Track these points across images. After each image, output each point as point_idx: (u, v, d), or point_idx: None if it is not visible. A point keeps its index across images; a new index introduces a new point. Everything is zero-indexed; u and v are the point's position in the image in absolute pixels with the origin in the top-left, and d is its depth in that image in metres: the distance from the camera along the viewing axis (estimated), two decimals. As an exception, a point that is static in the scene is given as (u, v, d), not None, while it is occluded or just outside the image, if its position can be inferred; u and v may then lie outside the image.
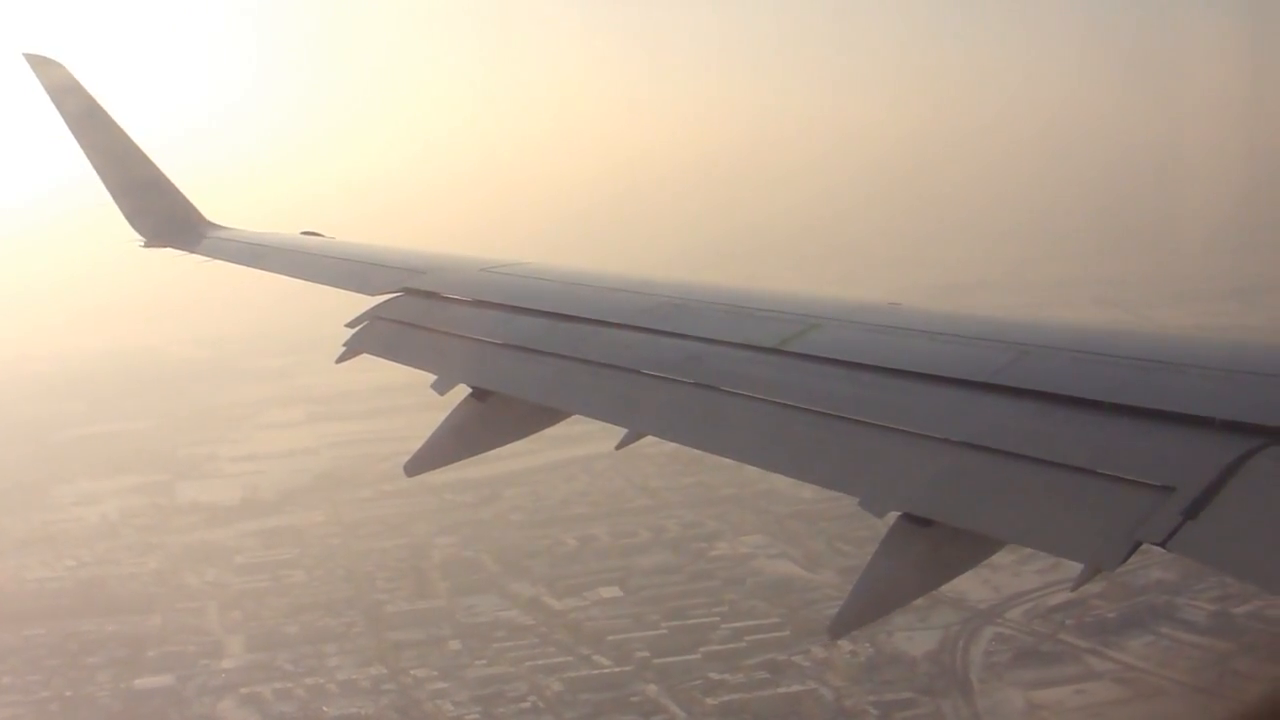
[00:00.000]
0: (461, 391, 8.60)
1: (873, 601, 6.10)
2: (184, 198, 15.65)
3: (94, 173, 15.39)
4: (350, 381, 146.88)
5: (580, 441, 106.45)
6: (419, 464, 8.63)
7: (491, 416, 8.43)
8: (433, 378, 8.86)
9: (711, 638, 68.62)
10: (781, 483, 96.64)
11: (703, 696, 62.72)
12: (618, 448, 7.55)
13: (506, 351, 8.69)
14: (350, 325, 10.36)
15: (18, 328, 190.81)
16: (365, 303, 10.69)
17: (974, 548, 5.76)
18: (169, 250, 15.11)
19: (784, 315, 7.59)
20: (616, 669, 66.09)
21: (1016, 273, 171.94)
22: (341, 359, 10.29)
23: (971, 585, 73.24)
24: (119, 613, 77.66)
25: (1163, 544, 4.74)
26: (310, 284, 12.43)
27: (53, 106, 15.14)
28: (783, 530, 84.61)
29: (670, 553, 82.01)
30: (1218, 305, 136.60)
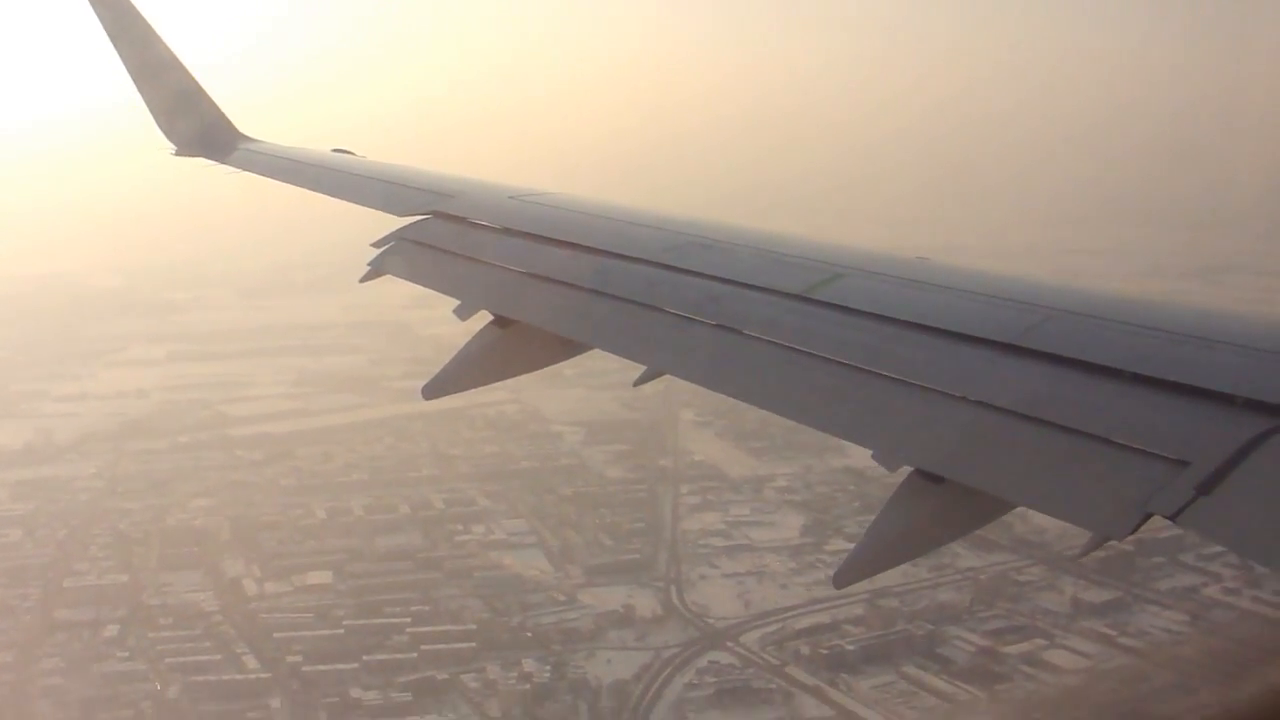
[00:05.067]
0: (483, 318, 8.52)
1: (878, 555, 5.66)
2: (218, 109, 15.36)
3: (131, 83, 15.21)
4: (243, 320, 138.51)
5: (414, 398, 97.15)
6: (436, 388, 8.36)
7: (512, 345, 8.38)
8: (455, 301, 8.78)
9: (387, 644, 58.23)
10: (595, 458, 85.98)
11: None
12: (635, 384, 7.25)
13: (530, 281, 8.58)
14: (376, 245, 10.22)
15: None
16: (383, 222, 10.59)
17: (983, 508, 5.55)
18: (200, 160, 14.96)
19: (810, 262, 7.34)
20: (256, 675, 56.04)
21: (990, 239, 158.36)
22: (365, 279, 10.09)
23: (723, 596, 62.35)
24: None
25: (1173, 517, 4.50)
26: (331, 201, 12.02)
27: (92, 13, 14.86)
28: (555, 514, 73.65)
29: (417, 534, 71.45)
30: (1180, 284, 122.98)
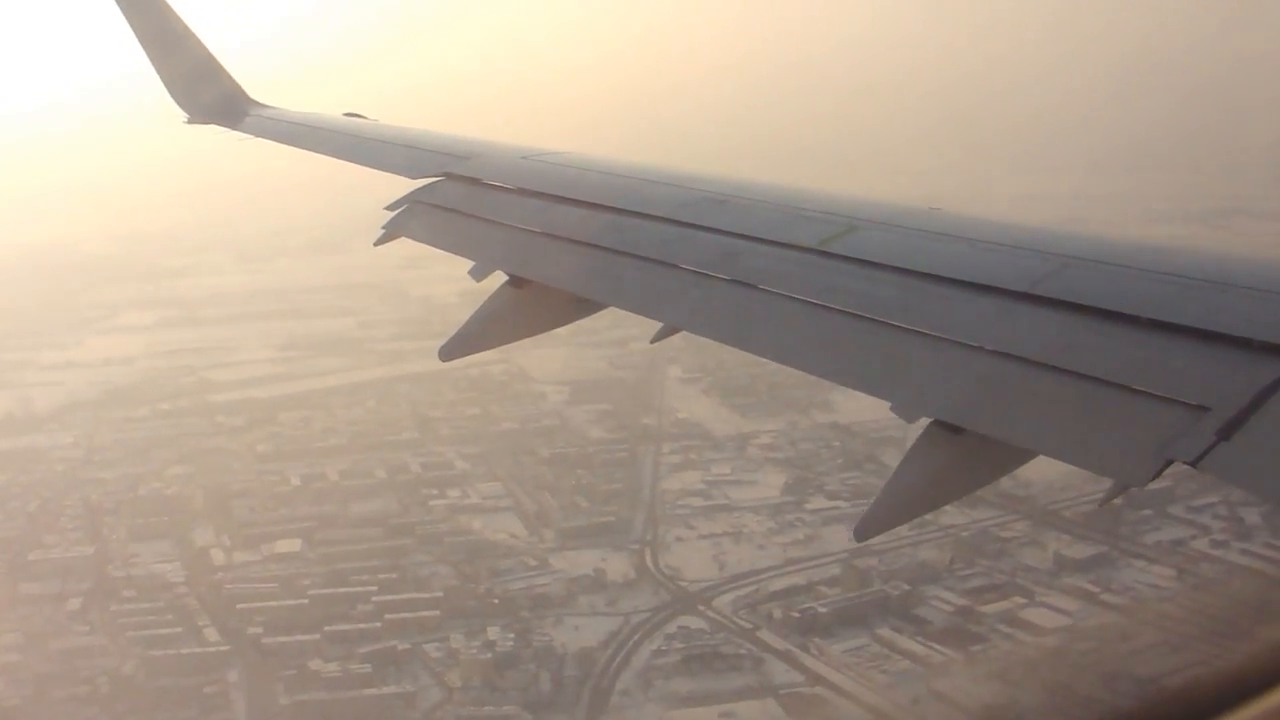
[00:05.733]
0: (499, 279, 8.48)
1: (899, 506, 5.59)
2: (229, 76, 15.42)
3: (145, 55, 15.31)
4: (237, 285, 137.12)
5: (401, 360, 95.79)
6: (454, 349, 8.41)
7: (527, 304, 8.36)
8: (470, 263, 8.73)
9: (351, 613, 56.87)
10: (578, 418, 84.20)
11: (282, 693, 51.20)
12: (652, 341, 7.33)
13: (545, 240, 8.56)
14: (390, 209, 10.26)
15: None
16: (396, 185, 10.60)
17: (1003, 458, 5.51)
18: (212, 128, 14.98)
19: (824, 216, 7.33)
20: (215, 649, 54.76)
21: (986, 188, 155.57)
22: (380, 242, 10.16)
23: (698, 558, 60.75)
24: None
25: (1194, 463, 4.44)
26: (344, 165, 11.97)
27: None
28: (533, 477, 71.99)
29: (391, 499, 69.93)
30: (1185, 229, 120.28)
